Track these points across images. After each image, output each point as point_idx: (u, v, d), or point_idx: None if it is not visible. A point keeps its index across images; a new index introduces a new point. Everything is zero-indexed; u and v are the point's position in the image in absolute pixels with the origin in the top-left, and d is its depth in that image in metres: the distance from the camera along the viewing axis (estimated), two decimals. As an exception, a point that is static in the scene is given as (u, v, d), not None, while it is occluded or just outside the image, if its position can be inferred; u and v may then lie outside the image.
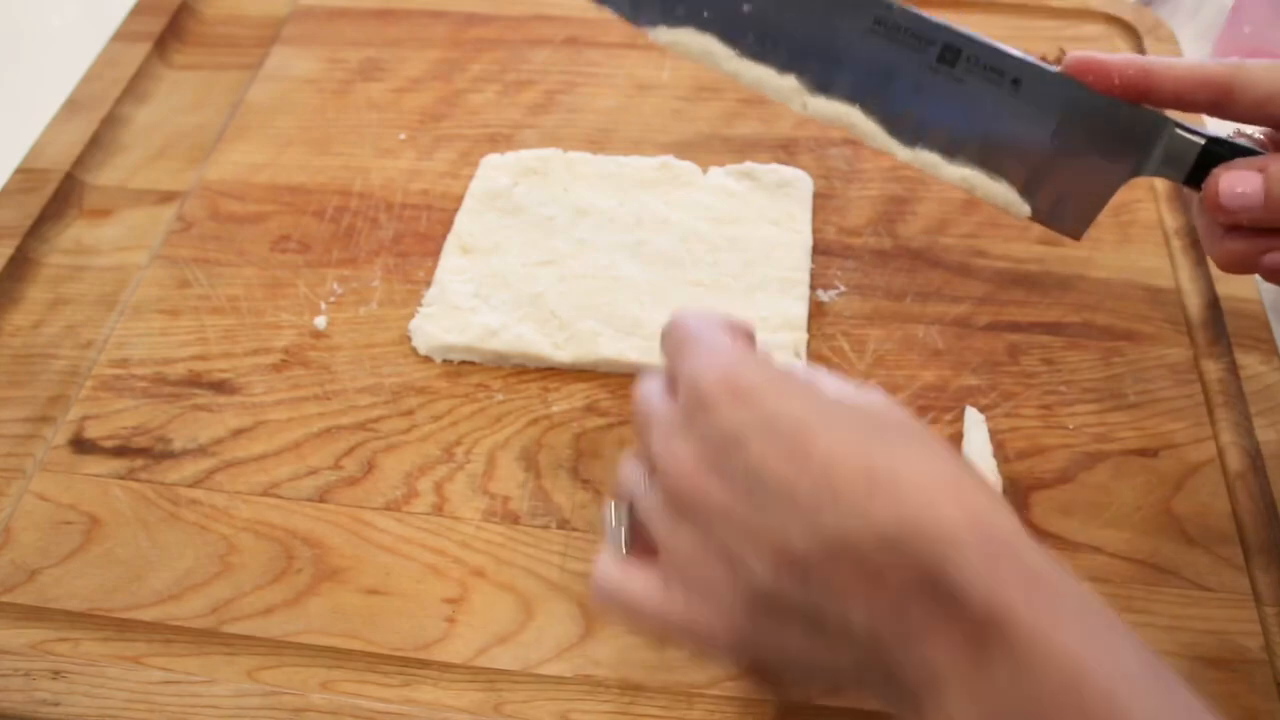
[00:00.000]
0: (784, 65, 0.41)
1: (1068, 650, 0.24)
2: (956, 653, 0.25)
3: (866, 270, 0.49)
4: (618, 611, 0.31)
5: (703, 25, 0.41)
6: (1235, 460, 0.42)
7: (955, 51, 0.39)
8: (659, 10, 0.41)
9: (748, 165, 0.51)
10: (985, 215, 0.51)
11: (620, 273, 0.47)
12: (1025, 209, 0.41)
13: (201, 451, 0.43)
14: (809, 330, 0.46)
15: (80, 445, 0.43)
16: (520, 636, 0.37)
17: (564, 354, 0.44)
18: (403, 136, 0.55)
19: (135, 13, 0.62)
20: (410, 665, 0.37)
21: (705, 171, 0.52)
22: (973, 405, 0.43)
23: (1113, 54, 0.38)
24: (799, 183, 0.51)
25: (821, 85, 0.41)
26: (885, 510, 0.25)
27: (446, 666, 0.37)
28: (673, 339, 0.32)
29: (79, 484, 0.42)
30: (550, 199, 0.50)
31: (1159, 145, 0.38)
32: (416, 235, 0.50)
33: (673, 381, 0.31)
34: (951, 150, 0.41)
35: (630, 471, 0.32)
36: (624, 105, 0.57)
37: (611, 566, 0.31)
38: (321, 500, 0.41)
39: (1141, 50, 0.59)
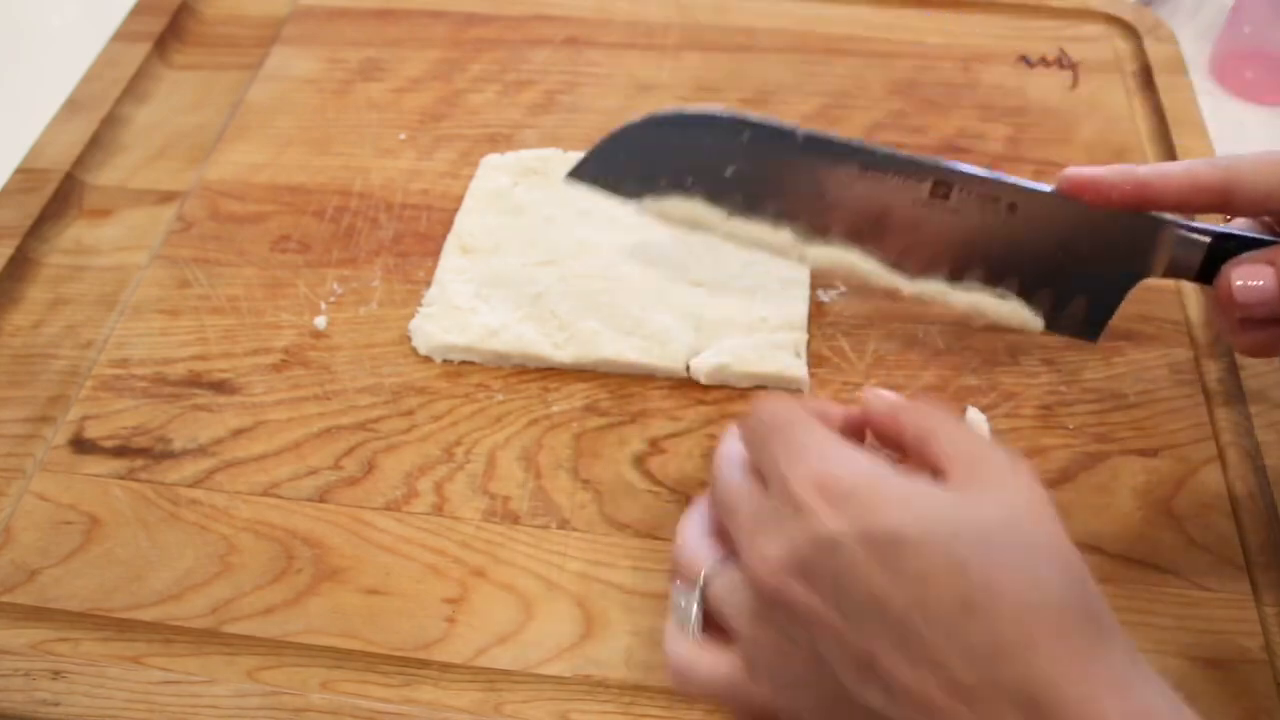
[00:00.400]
0: (776, 220, 0.40)
1: None
2: None
3: (866, 270, 0.49)
4: (697, 693, 0.30)
5: (688, 192, 0.40)
6: (1235, 460, 0.42)
7: (947, 185, 0.38)
8: (641, 183, 0.40)
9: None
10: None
11: (620, 273, 0.47)
12: (1038, 323, 0.40)
13: (201, 451, 0.42)
14: (809, 330, 0.46)
15: (80, 445, 0.43)
16: (520, 636, 0.37)
17: (564, 354, 0.44)
18: (403, 136, 0.55)
19: (135, 13, 0.62)
20: (410, 665, 0.37)
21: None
22: (973, 406, 0.43)
23: (1105, 169, 0.37)
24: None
25: (817, 233, 0.40)
26: (981, 638, 0.25)
27: (446, 666, 0.37)
28: (759, 427, 0.31)
29: (79, 484, 0.42)
30: (550, 199, 0.50)
31: (1163, 248, 0.37)
32: (416, 235, 0.50)
33: (757, 469, 0.30)
34: (955, 277, 0.40)
35: (700, 551, 0.31)
36: (624, 105, 0.57)
37: (685, 649, 0.31)
38: (321, 500, 0.41)
39: (1142, 50, 0.59)
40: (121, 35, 0.61)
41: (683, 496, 0.41)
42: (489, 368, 0.45)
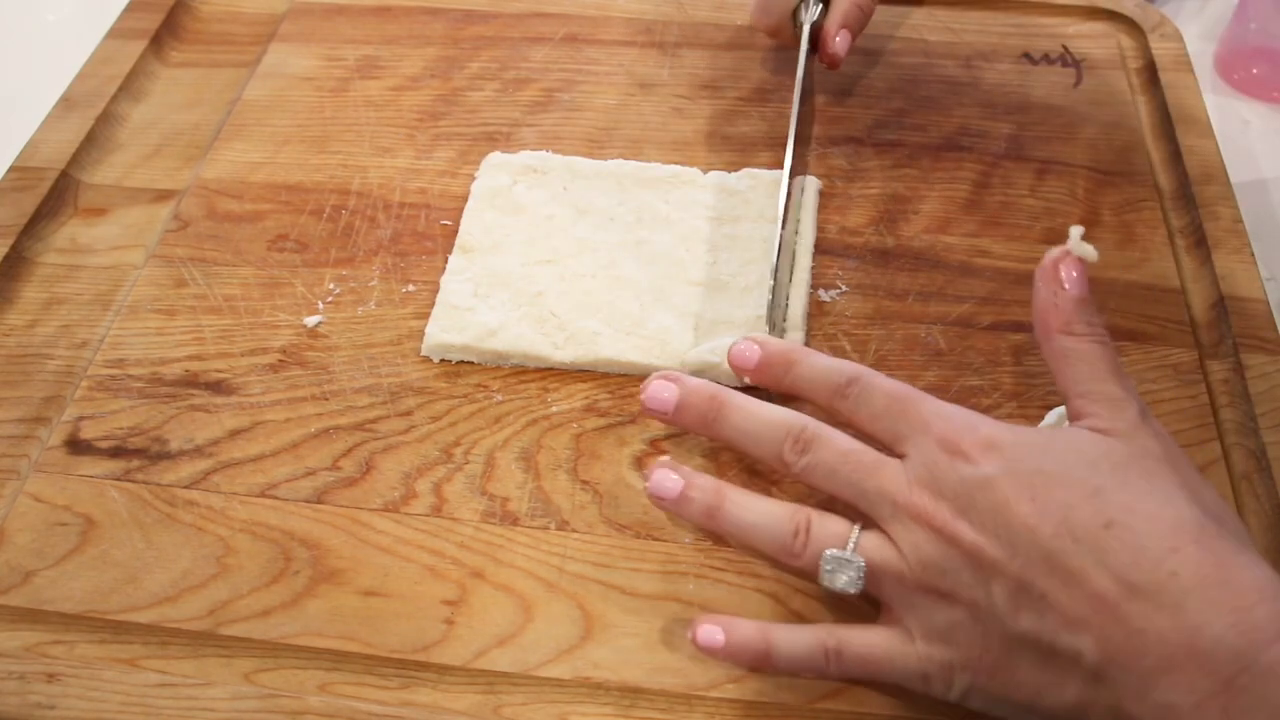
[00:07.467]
0: None
1: None
2: (1201, 692, 0.26)
3: (868, 269, 0.48)
4: (846, 671, 0.34)
5: None
6: (1240, 461, 0.42)
7: None
8: None
9: (748, 171, 0.51)
10: (988, 214, 0.51)
11: (620, 273, 0.47)
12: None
13: (198, 452, 0.42)
14: (810, 330, 0.45)
15: (75, 446, 0.42)
16: (519, 638, 0.37)
17: (564, 354, 0.44)
18: (401, 135, 0.55)
19: (131, 9, 0.62)
20: (408, 668, 0.36)
21: (706, 171, 0.51)
22: (975, 407, 0.43)
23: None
24: (800, 182, 0.51)
25: None
26: (1123, 553, 0.28)
27: (445, 669, 0.36)
28: (872, 398, 0.35)
29: (74, 485, 0.41)
30: (550, 198, 0.50)
31: None
32: (415, 234, 0.50)
33: (875, 438, 0.35)
34: None
35: (826, 522, 0.35)
36: (624, 103, 0.56)
37: (846, 629, 0.34)
38: (319, 501, 0.41)
39: (1146, 47, 0.59)
40: (117, 32, 0.60)
41: (683, 498, 0.41)
42: (488, 368, 0.45)
